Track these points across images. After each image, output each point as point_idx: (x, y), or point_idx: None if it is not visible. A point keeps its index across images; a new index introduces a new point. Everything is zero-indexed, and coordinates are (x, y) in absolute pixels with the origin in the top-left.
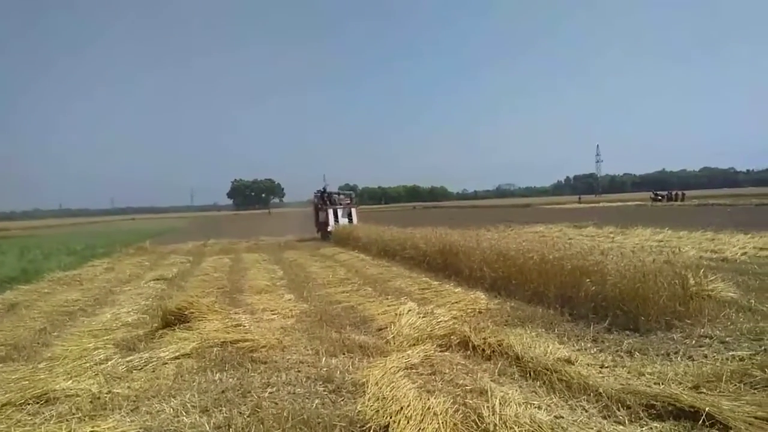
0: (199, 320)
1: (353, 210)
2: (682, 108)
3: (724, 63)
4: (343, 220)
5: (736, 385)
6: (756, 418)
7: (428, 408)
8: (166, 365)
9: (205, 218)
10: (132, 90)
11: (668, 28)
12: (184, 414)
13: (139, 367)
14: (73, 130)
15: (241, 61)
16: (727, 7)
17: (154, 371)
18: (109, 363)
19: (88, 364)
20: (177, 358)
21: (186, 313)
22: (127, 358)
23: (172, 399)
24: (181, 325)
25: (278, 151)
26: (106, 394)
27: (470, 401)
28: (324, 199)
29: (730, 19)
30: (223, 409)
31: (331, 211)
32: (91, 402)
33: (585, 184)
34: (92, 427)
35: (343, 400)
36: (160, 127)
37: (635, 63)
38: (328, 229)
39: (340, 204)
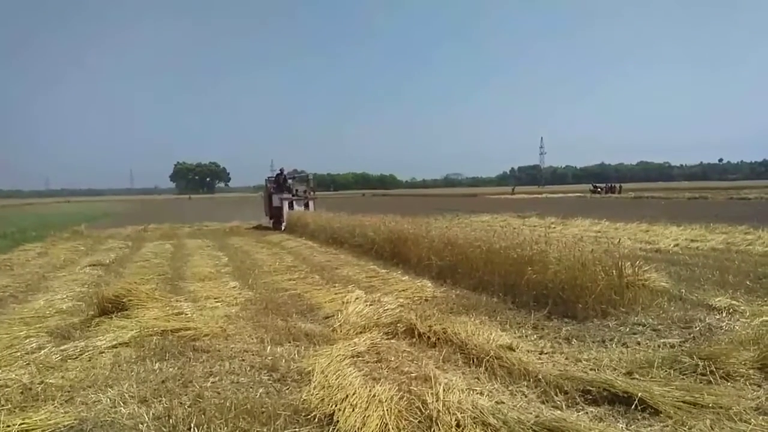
0: (138, 308)
1: (311, 202)
2: (621, 105)
3: (661, 64)
4: (299, 208)
5: (666, 371)
6: (684, 402)
7: (373, 395)
8: (103, 354)
9: (145, 202)
10: (69, 66)
11: (609, 28)
12: (122, 404)
13: (74, 356)
14: (2, 107)
15: (186, 41)
16: (668, 9)
17: (90, 360)
18: (42, 352)
19: (18, 353)
20: (114, 347)
21: (124, 300)
22: (62, 347)
23: (109, 389)
24: (119, 313)
25: (225, 135)
26: (39, 384)
27: (415, 388)
28: (279, 184)
29: (673, 21)
30: (163, 399)
31: (286, 197)
32: (21, 393)
33: (529, 176)
34: (23, 419)
35: (288, 389)
36: (99, 105)
37: (578, 62)
38: (283, 217)
39: (296, 190)
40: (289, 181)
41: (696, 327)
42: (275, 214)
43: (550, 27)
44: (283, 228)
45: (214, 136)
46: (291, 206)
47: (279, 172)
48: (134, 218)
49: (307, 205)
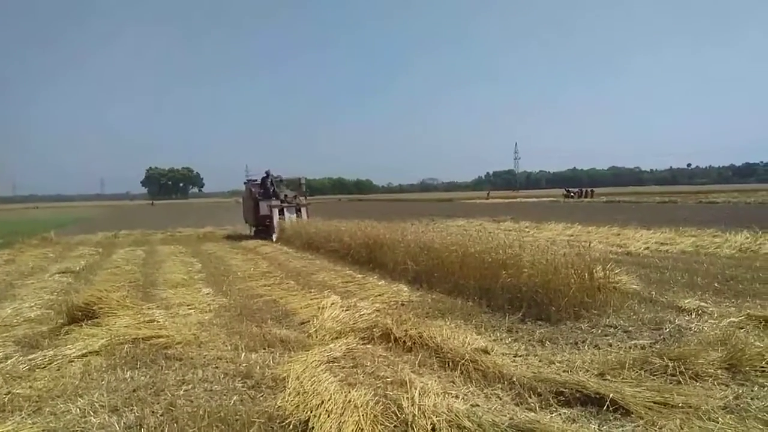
0: (108, 316)
1: (304, 208)
2: (593, 112)
3: (629, 73)
4: (291, 216)
5: (637, 372)
6: (655, 402)
7: (349, 401)
8: (73, 363)
9: (116, 208)
10: (37, 68)
11: (581, 37)
12: (92, 414)
13: (43, 366)
14: None
15: (160, 46)
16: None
17: (59, 370)
18: (9, 362)
19: None
20: (84, 355)
21: (94, 308)
22: (29, 357)
23: (79, 399)
24: (89, 321)
25: (198, 140)
26: (6, 395)
27: (391, 393)
28: (266, 189)
29: (646, 31)
30: (135, 408)
31: (275, 204)
32: None
33: (504, 180)
34: None
35: (262, 396)
36: (69, 109)
37: (551, 71)
38: (272, 226)
39: (285, 196)
40: (275, 183)
41: (666, 328)
42: (262, 223)
43: (524, 35)
44: (274, 239)
45: (187, 141)
46: (281, 213)
47: (265, 175)
48: (105, 224)
49: (299, 212)
